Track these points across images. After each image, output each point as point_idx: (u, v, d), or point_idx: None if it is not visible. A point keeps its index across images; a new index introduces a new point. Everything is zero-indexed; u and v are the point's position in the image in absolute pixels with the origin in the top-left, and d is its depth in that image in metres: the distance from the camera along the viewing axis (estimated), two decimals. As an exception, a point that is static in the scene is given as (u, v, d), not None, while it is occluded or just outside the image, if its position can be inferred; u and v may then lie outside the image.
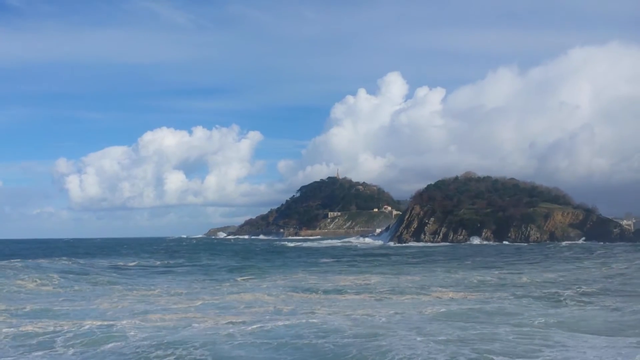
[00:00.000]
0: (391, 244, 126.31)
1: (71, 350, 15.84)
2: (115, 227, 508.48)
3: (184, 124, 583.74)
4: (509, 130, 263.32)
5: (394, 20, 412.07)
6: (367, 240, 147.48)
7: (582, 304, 24.11)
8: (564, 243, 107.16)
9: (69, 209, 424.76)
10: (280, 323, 18.95)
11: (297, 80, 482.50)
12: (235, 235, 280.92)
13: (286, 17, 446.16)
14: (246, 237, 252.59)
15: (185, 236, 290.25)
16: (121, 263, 58.11)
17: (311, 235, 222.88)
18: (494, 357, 13.99)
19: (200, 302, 25.41)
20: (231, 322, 19.45)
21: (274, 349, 15.60)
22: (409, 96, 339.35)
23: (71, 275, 40.49)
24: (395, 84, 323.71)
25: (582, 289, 29.13)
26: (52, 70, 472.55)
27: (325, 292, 29.97)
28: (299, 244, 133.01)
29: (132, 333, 17.60)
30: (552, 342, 15.70)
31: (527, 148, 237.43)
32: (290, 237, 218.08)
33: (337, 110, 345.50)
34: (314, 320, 19.32)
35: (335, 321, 19.17)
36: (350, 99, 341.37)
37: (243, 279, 38.24)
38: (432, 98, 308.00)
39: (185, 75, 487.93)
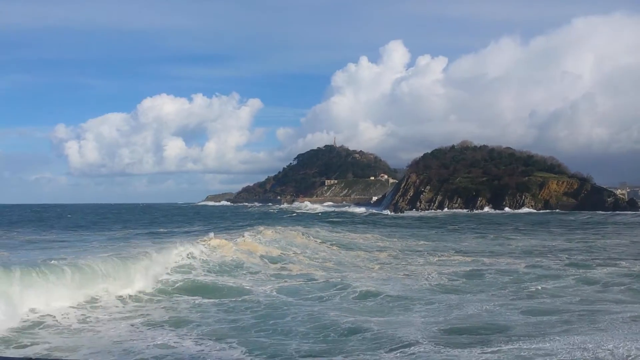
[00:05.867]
0: (387, 212, 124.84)
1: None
2: (114, 193, 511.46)
3: (184, 91, 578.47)
4: (510, 99, 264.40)
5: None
6: (362, 209, 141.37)
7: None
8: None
9: (67, 175, 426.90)
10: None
11: (298, 48, 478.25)
12: (233, 202, 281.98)
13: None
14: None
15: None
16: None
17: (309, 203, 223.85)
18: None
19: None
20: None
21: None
22: (410, 65, 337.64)
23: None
24: (397, 52, 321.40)
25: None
26: (50, 36, 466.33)
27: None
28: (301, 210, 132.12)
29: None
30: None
31: (526, 117, 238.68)
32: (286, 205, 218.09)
33: (338, 78, 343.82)
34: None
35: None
36: (351, 66, 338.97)
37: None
38: (434, 67, 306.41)
39: (186, 42, 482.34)
